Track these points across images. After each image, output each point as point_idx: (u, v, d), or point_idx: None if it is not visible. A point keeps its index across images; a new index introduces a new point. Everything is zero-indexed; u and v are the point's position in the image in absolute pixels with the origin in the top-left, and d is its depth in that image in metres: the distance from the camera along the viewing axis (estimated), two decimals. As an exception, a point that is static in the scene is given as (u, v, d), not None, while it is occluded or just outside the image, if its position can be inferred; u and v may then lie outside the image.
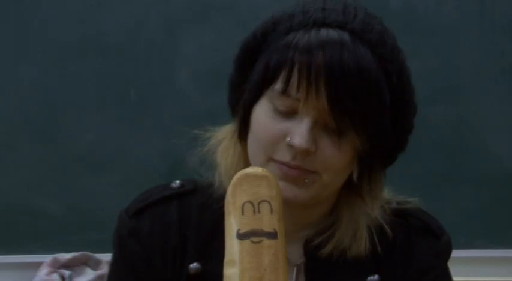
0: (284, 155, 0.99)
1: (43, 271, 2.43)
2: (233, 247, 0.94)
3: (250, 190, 0.96)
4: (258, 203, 0.96)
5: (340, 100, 0.96)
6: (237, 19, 2.54)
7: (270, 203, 0.96)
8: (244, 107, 1.03)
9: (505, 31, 2.56)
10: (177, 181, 1.13)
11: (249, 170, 0.98)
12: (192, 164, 1.09)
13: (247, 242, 0.94)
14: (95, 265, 2.50)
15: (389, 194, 1.12)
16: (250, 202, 0.96)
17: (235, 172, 1.02)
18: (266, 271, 0.93)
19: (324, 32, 0.98)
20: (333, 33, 0.98)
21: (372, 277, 1.08)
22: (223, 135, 1.09)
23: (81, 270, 2.49)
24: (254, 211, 0.95)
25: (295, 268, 1.09)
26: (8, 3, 2.53)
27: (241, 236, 0.94)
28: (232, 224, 0.95)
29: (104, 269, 2.45)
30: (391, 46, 1.01)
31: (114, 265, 1.13)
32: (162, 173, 2.49)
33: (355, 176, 1.03)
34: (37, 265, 2.46)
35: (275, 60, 0.99)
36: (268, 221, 0.95)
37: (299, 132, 0.97)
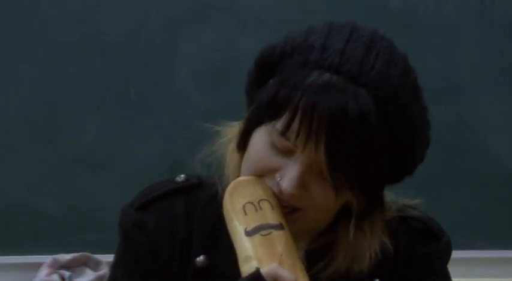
0: (273, 186, 0.99)
1: (43, 271, 2.43)
2: (244, 245, 0.95)
3: (247, 193, 0.98)
4: (258, 202, 0.97)
5: (338, 159, 0.94)
6: (237, 19, 2.54)
7: (269, 201, 0.97)
8: (246, 127, 1.03)
9: (505, 31, 2.56)
10: (182, 175, 1.13)
11: (241, 178, 1.00)
12: (200, 161, 1.08)
13: (257, 236, 0.95)
14: (95, 265, 2.50)
15: (390, 196, 1.12)
16: (250, 202, 0.97)
17: (237, 175, 1.03)
18: (283, 257, 0.94)
19: (335, 81, 0.95)
20: (344, 85, 0.95)
21: None
22: (234, 132, 1.08)
23: (81, 271, 2.49)
24: (256, 209, 0.96)
25: None
26: (8, 3, 2.53)
27: (249, 233, 0.95)
28: (237, 227, 0.96)
29: (104, 270, 2.45)
30: (405, 99, 0.98)
31: (118, 257, 1.12)
32: (162, 173, 2.49)
33: (351, 233, 1.02)
34: (37, 266, 2.46)
35: (282, 96, 0.97)
36: (272, 215, 0.96)
37: (289, 176, 0.96)
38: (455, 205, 2.52)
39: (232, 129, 1.08)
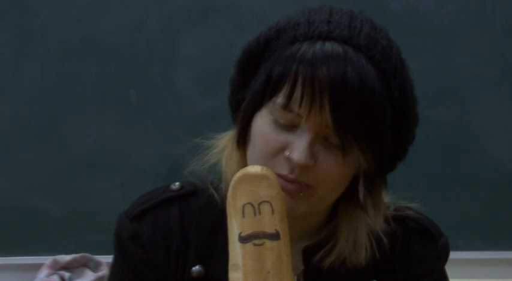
0: (282, 168, 0.98)
1: (43, 272, 2.43)
2: (236, 251, 0.94)
3: (249, 191, 0.95)
4: (259, 205, 0.95)
5: (344, 117, 0.95)
6: (236, 21, 2.54)
7: (270, 204, 0.95)
8: (244, 116, 1.03)
9: (505, 32, 2.56)
10: (177, 183, 1.13)
11: (248, 169, 0.97)
12: (194, 173, 1.09)
13: (249, 245, 0.93)
14: (95, 266, 2.50)
15: (388, 197, 1.12)
16: (251, 203, 0.95)
17: None
18: (269, 274, 0.92)
19: (329, 46, 0.96)
20: (337, 48, 0.96)
21: None
22: (226, 142, 1.08)
23: (81, 272, 2.49)
24: (255, 213, 0.95)
25: (295, 278, 1.08)
26: (8, 3, 2.53)
27: (243, 240, 0.94)
28: (234, 227, 0.95)
29: (104, 271, 2.45)
30: (395, 61, 1.00)
31: (114, 267, 1.13)
32: (162, 175, 2.50)
33: (361, 195, 1.03)
34: (37, 267, 2.46)
35: (278, 72, 0.97)
36: (270, 222, 0.94)
37: (299, 147, 0.96)
38: (455, 206, 2.52)
39: (222, 140, 1.09)
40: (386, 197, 1.11)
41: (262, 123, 1.00)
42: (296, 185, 0.98)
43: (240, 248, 0.94)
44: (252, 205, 0.95)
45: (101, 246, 2.38)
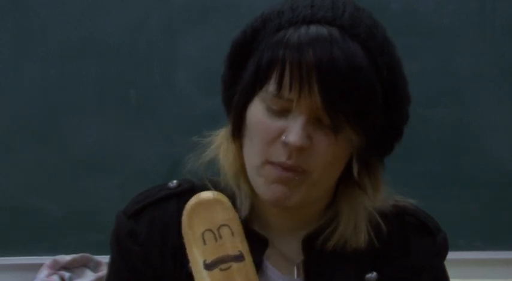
0: (280, 155, 0.99)
1: (43, 272, 2.43)
2: (204, 280, 0.94)
3: (206, 217, 0.96)
4: (218, 229, 0.95)
5: (333, 97, 0.96)
6: (236, 21, 2.54)
7: (229, 226, 0.96)
8: (237, 108, 1.04)
9: (505, 32, 2.56)
10: (174, 181, 1.13)
11: (200, 196, 0.97)
12: (192, 171, 1.09)
13: (216, 271, 0.94)
14: (95, 266, 2.50)
15: (387, 191, 1.12)
16: (210, 229, 0.95)
17: (234, 172, 1.04)
18: None
19: (314, 29, 0.98)
20: (322, 30, 0.98)
21: (370, 275, 1.09)
22: (221, 139, 1.09)
23: (81, 272, 2.49)
24: (216, 238, 0.95)
25: (295, 268, 1.09)
26: (9, 3, 2.53)
27: (208, 267, 0.94)
28: (196, 256, 0.95)
29: (104, 271, 2.45)
30: (381, 39, 1.01)
31: (112, 265, 1.13)
32: (162, 175, 2.49)
33: (355, 171, 1.03)
34: (37, 267, 2.46)
35: (266, 60, 0.99)
36: (232, 244, 0.95)
37: (293, 130, 0.97)
38: (455, 206, 2.52)
39: (218, 136, 1.10)
40: (386, 191, 1.11)
41: (256, 112, 1.01)
42: (292, 173, 0.99)
43: (208, 276, 0.94)
44: (212, 231, 0.95)
45: (101, 246, 2.37)
